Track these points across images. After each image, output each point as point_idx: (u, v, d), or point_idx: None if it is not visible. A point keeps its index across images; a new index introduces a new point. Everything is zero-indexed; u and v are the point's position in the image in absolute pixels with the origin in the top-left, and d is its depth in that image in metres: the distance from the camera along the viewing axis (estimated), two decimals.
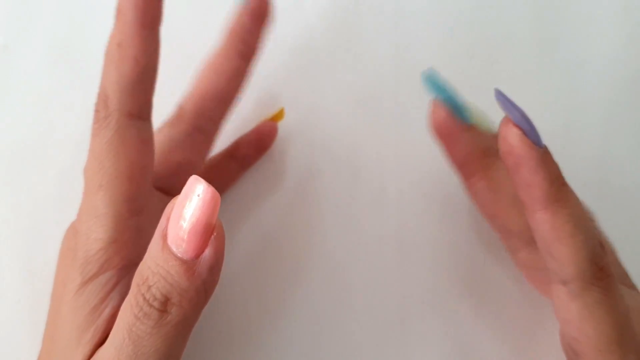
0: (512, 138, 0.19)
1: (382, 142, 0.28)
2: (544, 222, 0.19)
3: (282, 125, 0.29)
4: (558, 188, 0.19)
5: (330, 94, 0.29)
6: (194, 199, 0.16)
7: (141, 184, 0.21)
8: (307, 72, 0.30)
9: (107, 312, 0.20)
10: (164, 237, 0.16)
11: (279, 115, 0.29)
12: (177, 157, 0.24)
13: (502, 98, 0.19)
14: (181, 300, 0.17)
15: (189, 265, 0.16)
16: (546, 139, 0.23)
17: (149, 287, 0.17)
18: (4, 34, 0.30)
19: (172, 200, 0.17)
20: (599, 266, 0.19)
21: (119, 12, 0.21)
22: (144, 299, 0.17)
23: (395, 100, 0.30)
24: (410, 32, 0.30)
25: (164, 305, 0.17)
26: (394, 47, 0.30)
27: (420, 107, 0.28)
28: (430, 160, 0.29)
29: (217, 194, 0.16)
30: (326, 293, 0.28)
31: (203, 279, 0.17)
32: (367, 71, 0.29)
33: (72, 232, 0.22)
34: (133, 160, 0.21)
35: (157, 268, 0.16)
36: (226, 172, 0.28)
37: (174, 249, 0.16)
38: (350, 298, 0.28)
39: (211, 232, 0.16)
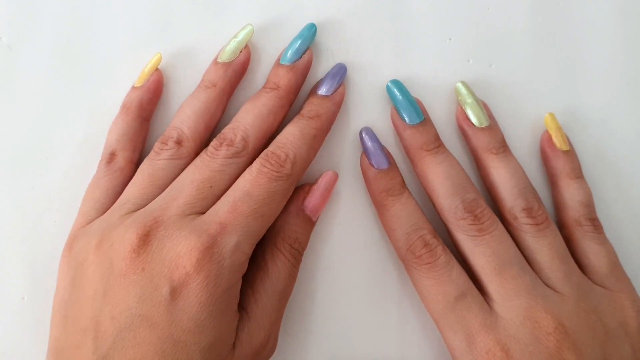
0: (361, 163, 0.29)
1: (382, 142, 0.28)
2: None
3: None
4: (382, 197, 0.27)
5: None
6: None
7: None
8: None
9: None
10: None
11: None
12: None
13: (364, 138, 0.28)
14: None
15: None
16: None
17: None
18: (7, 34, 0.30)
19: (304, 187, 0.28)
20: (414, 254, 0.26)
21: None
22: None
23: None
24: (409, 33, 0.30)
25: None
26: (394, 48, 0.30)
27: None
28: None
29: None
30: (326, 292, 0.28)
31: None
32: (367, 73, 0.30)
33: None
34: None
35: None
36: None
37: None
38: (349, 298, 0.29)
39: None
